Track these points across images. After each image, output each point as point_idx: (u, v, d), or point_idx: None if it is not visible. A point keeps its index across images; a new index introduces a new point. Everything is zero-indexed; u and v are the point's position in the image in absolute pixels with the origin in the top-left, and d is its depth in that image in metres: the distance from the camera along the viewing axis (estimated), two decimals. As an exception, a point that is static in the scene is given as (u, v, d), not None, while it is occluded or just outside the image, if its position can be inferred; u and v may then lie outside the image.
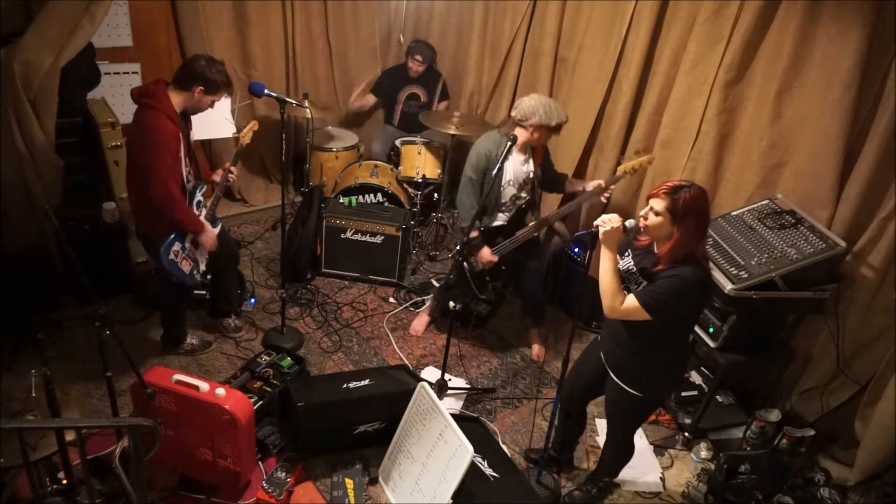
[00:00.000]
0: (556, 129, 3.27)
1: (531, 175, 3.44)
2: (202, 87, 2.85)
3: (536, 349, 3.88)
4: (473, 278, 3.51)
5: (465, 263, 3.47)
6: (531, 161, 3.43)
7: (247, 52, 4.69)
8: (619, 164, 3.55)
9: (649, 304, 2.21)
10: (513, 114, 3.30)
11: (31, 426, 2.17)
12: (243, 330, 3.71)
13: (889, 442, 2.85)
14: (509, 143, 3.17)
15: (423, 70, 4.93)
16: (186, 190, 3.01)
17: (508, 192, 3.43)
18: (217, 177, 3.25)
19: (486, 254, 3.41)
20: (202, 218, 3.11)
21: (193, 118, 3.11)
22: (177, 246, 3.00)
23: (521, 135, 3.29)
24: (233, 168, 3.24)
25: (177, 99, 2.86)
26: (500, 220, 3.52)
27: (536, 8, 4.37)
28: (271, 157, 5.19)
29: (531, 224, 3.44)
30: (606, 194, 3.36)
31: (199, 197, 3.12)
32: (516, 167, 3.40)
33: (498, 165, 3.16)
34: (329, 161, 4.79)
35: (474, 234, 3.39)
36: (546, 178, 3.57)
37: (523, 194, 3.48)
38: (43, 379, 2.16)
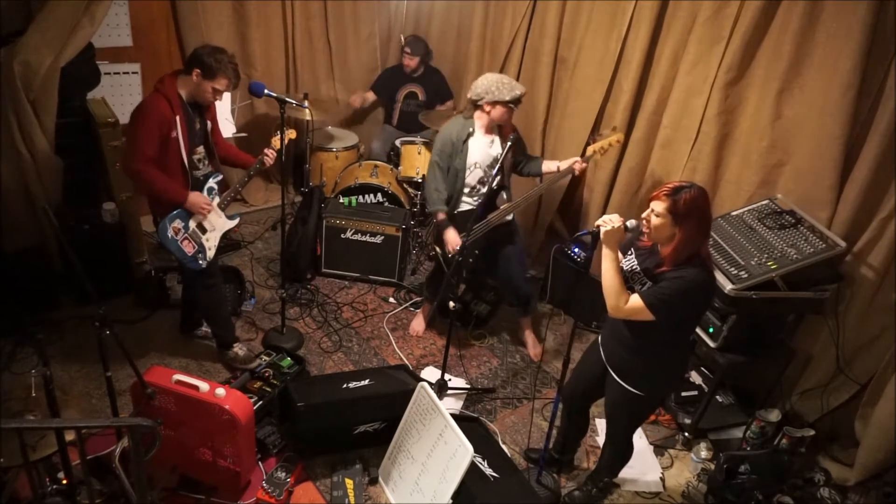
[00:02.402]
0: (513, 102, 3.25)
1: (499, 157, 3.36)
2: (199, 71, 2.88)
3: (531, 345, 3.84)
4: (447, 264, 3.44)
5: (437, 249, 3.46)
6: (498, 143, 3.41)
7: (247, 52, 4.69)
8: (588, 143, 3.52)
9: (654, 304, 2.21)
10: (468, 94, 3.31)
11: (31, 426, 2.17)
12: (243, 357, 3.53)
13: (889, 442, 2.85)
14: (470, 131, 3.23)
15: (419, 66, 4.93)
16: (187, 175, 3.03)
17: (475, 175, 3.42)
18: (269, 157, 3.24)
19: (451, 235, 3.36)
20: (214, 205, 3.15)
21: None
22: (177, 223, 3.03)
23: (480, 116, 3.31)
24: (271, 151, 3.22)
25: (182, 84, 2.93)
26: (468, 204, 3.48)
27: (536, 8, 4.36)
28: (271, 158, 5.18)
29: (502, 207, 3.40)
30: (578, 167, 3.33)
31: (211, 184, 3.16)
32: (482, 150, 3.39)
33: (461, 149, 3.22)
34: (329, 161, 4.79)
35: (441, 216, 3.39)
36: (518, 161, 3.53)
37: (492, 176, 3.38)
38: (43, 379, 2.17)
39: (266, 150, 3.22)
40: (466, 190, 3.46)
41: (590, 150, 3.34)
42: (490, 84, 3.22)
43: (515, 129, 3.48)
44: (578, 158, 3.34)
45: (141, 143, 2.83)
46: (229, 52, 2.95)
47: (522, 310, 3.82)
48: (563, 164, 3.39)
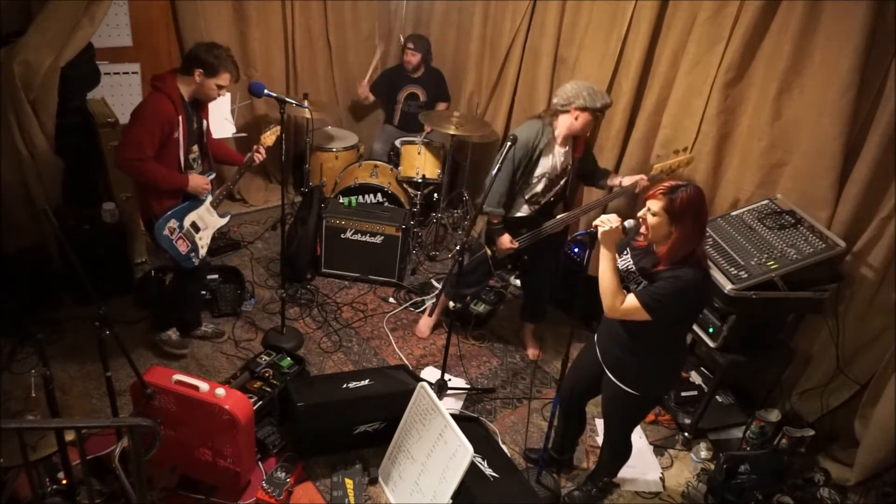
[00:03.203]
0: (601, 111, 3.16)
1: (567, 167, 3.31)
2: (201, 70, 2.89)
3: (530, 347, 3.86)
4: (495, 265, 3.47)
5: (488, 250, 3.40)
6: (568, 155, 3.30)
7: (247, 52, 4.69)
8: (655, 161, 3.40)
9: (649, 304, 2.22)
10: (554, 101, 3.20)
11: (31, 426, 2.17)
12: (225, 335, 3.66)
13: (889, 442, 2.85)
14: (548, 140, 3.13)
15: (420, 64, 4.93)
16: (183, 172, 3.03)
17: (541, 184, 3.30)
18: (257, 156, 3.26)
19: (506, 241, 3.31)
20: (207, 204, 3.16)
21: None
22: (173, 223, 3.03)
23: (564, 121, 3.18)
24: (261, 148, 3.24)
25: (182, 85, 2.93)
26: (524, 210, 3.37)
27: (536, 8, 4.36)
28: (271, 157, 5.13)
29: (559, 217, 3.37)
30: (640, 186, 3.24)
31: None
32: (554, 161, 3.27)
33: (534, 155, 3.10)
34: (329, 161, 4.79)
35: (496, 220, 3.30)
36: (586, 171, 3.44)
37: (556, 188, 3.34)
38: (43, 379, 2.17)
39: (256, 147, 3.23)
40: (525, 196, 3.34)
41: (655, 168, 3.21)
42: (581, 89, 3.11)
43: (588, 145, 3.40)
44: (643, 175, 3.25)
45: (142, 140, 2.82)
46: (224, 46, 2.96)
47: (535, 319, 3.84)
48: (626, 180, 3.30)
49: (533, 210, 3.37)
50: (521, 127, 3.30)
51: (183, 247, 3.08)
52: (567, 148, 3.29)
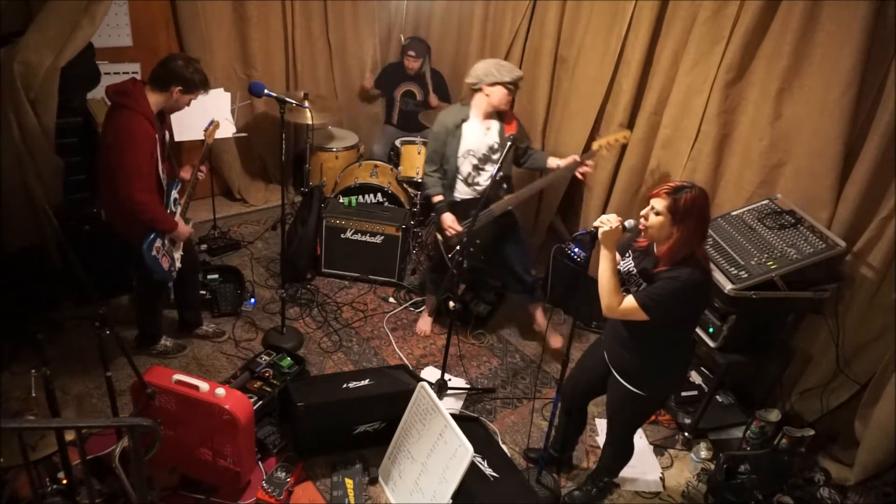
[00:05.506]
0: (513, 85, 3.26)
1: (496, 145, 3.37)
2: (181, 88, 2.83)
3: (551, 337, 3.78)
4: (446, 251, 3.50)
5: (438, 235, 3.48)
6: (496, 130, 3.38)
7: (247, 52, 4.70)
8: (594, 139, 3.53)
9: (648, 304, 2.22)
10: (466, 80, 3.30)
11: (31, 426, 2.17)
12: (225, 335, 3.67)
13: (889, 442, 2.85)
14: (465, 117, 3.28)
15: (421, 68, 4.94)
16: (163, 190, 3.00)
17: (468, 163, 3.41)
18: (186, 174, 3.21)
19: (448, 219, 3.40)
20: (177, 216, 3.11)
21: (192, 116, 3.11)
22: (158, 243, 3.01)
23: (480, 101, 3.30)
24: (202, 167, 3.21)
25: (154, 99, 2.83)
26: (465, 193, 3.48)
27: (536, 8, 4.37)
28: (271, 157, 5.19)
29: (505, 198, 3.41)
30: (582, 170, 3.36)
31: (174, 195, 3.11)
32: (477, 136, 3.37)
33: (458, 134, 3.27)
34: (329, 161, 4.79)
35: (437, 198, 3.42)
36: (519, 153, 3.53)
37: (488, 166, 3.41)
38: (43, 379, 2.17)
39: (196, 165, 3.17)
40: (461, 177, 3.45)
41: (595, 144, 3.37)
42: (489, 67, 3.23)
43: (519, 121, 3.49)
44: (575, 156, 3.36)
45: (142, 170, 2.77)
46: (195, 58, 2.94)
47: (529, 297, 3.78)
48: (563, 162, 3.41)
49: (474, 192, 3.44)
50: (443, 111, 3.49)
51: (166, 263, 3.07)
52: (491, 122, 3.38)
